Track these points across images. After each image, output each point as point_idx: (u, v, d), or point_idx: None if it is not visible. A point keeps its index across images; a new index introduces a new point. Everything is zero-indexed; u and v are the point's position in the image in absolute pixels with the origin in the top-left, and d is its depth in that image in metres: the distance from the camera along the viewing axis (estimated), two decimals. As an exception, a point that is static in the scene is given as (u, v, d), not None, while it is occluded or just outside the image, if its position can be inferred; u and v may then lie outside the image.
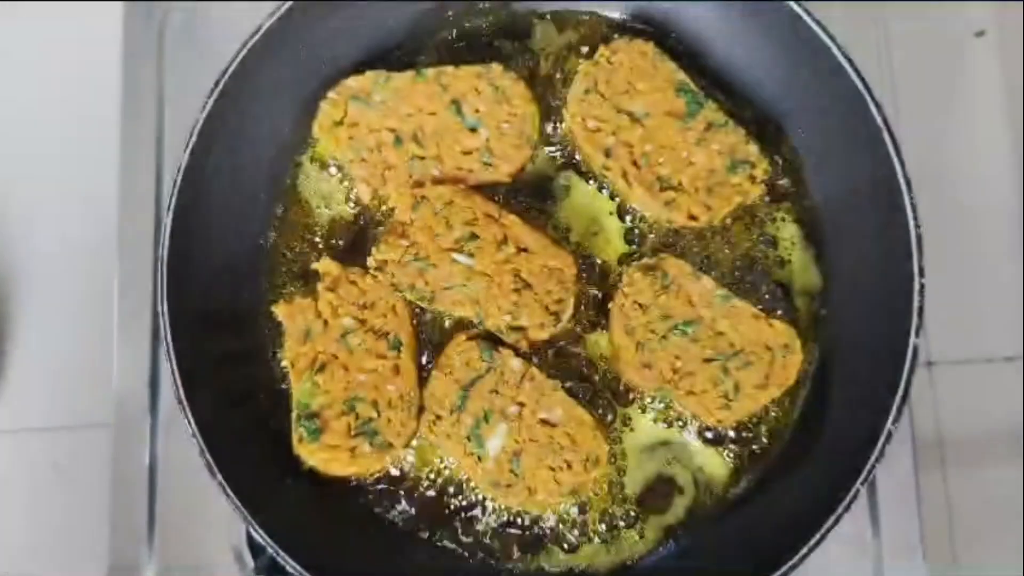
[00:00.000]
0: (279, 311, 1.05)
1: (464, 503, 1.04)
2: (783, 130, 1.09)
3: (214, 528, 1.12)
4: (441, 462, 1.05)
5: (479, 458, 1.00)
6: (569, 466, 0.99)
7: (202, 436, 0.97)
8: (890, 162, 0.98)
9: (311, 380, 1.02)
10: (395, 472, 1.05)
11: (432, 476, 1.05)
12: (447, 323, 1.06)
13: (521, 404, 1.01)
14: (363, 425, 1.01)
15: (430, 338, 1.06)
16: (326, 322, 1.03)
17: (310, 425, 1.01)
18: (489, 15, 1.13)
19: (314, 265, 1.06)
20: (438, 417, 1.02)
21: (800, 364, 1.01)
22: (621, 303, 1.02)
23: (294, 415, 1.02)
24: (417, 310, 1.05)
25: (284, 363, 1.05)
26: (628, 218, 1.08)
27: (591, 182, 1.09)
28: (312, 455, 1.01)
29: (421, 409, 1.03)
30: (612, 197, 1.08)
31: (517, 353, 1.02)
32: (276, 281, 1.09)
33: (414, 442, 1.04)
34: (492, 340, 1.03)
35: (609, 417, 1.04)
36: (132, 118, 1.20)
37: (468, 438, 1.01)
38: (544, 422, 1.00)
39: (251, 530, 0.96)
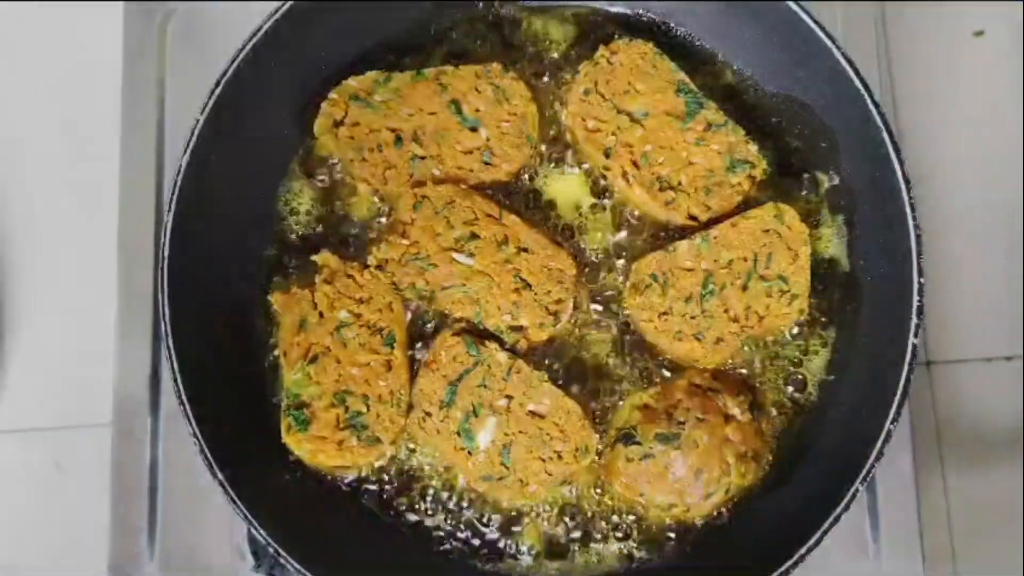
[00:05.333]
0: (275, 300, 1.05)
1: (457, 502, 1.05)
2: (783, 130, 1.09)
3: (214, 528, 1.12)
4: (436, 460, 1.05)
5: (469, 452, 1.01)
6: (559, 456, 1.00)
7: (202, 436, 0.97)
8: (890, 162, 0.98)
9: (303, 370, 1.02)
10: (391, 470, 1.05)
11: (424, 474, 1.05)
12: (444, 321, 1.06)
13: (509, 397, 1.01)
14: (352, 419, 1.01)
15: (426, 336, 1.06)
16: (321, 314, 1.03)
17: (299, 415, 1.01)
18: (488, 15, 1.13)
19: (313, 256, 1.06)
20: (427, 414, 1.02)
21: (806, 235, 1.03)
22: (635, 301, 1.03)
23: (283, 404, 1.01)
24: (413, 308, 1.05)
25: (276, 352, 1.05)
26: (626, 217, 1.08)
27: (590, 182, 1.09)
28: (299, 445, 1.01)
29: (411, 407, 1.03)
30: (610, 196, 1.08)
31: (503, 347, 1.02)
32: (276, 281, 1.08)
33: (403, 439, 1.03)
34: (478, 335, 1.03)
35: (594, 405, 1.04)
36: (132, 118, 1.20)
37: (458, 433, 1.01)
38: (533, 414, 1.01)
39: (251, 529, 0.96)
